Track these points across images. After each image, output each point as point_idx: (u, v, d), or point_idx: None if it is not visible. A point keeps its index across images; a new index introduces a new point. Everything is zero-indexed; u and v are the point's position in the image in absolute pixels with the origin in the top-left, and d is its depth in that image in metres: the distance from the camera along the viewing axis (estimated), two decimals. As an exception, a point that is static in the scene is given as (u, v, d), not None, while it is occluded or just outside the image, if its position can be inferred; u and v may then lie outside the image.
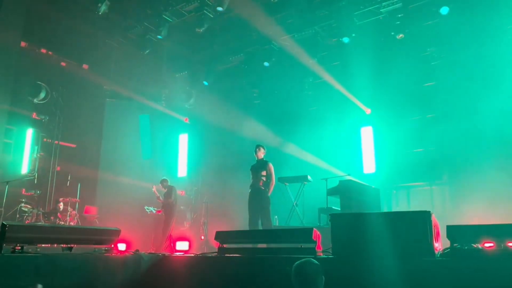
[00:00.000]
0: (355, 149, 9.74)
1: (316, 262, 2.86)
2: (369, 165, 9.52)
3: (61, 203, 9.53)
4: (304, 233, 4.26)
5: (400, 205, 9.02)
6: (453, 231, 3.61)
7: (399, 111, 9.23)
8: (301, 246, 4.14)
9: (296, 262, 2.87)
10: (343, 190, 7.18)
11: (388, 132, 9.33)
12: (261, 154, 7.40)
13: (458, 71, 8.51)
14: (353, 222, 4.05)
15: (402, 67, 8.94)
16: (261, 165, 7.31)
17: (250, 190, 7.28)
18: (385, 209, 8.17)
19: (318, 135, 9.95)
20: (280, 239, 4.61)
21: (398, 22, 8.86)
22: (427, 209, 3.74)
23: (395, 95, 9.24)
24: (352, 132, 9.89)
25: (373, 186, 7.77)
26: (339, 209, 7.24)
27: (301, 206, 8.20)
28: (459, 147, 8.32)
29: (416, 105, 9.16)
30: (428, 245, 3.51)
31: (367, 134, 9.74)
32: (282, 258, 4.11)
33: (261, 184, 7.16)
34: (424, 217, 3.61)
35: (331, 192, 7.42)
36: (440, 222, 4.10)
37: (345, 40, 9.49)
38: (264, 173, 7.20)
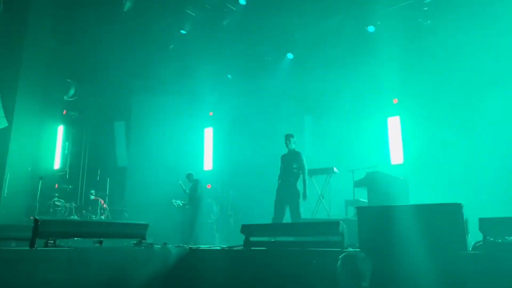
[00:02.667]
0: (382, 140, 9.56)
1: (364, 254, 2.84)
2: (396, 156, 9.33)
3: (95, 196, 9.80)
4: (331, 226, 4.22)
5: (430, 197, 8.80)
6: (486, 224, 3.50)
7: (427, 100, 8.97)
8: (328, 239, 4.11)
9: (343, 254, 2.85)
10: (370, 181, 7.05)
11: (416, 122, 9.09)
12: (293, 144, 7.07)
13: (489, 58, 8.17)
14: (380, 215, 3.96)
15: (430, 54, 8.67)
16: (293, 156, 6.99)
17: (279, 181, 7.01)
18: (414, 201, 8.00)
19: (344, 126, 9.80)
20: (306, 232, 4.58)
21: (425, 8, 8.58)
22: (458, 202, 3.63)
23: (423, 83, 8.97)
24: (379, 123, 9.70)
25: (401, 178, 7.61)
26: (366, 201, 7.14)
27: (327, 199, 8.12)
28: (492, 135, 8.02)
29: (444, 93, 8.86)
30: (461, 238, 3.40)
31: (394, 124, 9.53)
32: (308, 251, 4.08)
33: (292, 176, 6.88)
34: (455, 209, 3.49)
35: (358, 184, 7.32)
36: (472, 215, 3.96)
37: (370, 29, 9.29)
38: (295, 165, 6.90)
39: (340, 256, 2.84)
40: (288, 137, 7.09)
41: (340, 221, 4.13)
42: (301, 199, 6.76)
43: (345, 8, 9.38)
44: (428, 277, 3.32)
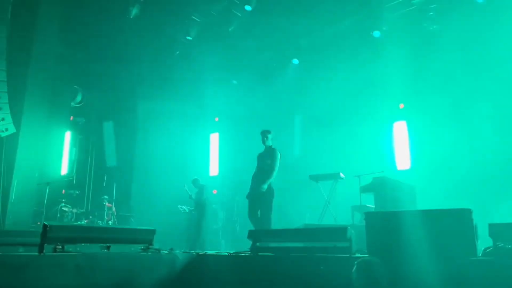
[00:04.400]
0: (388, 145, 9.53)
1: (379, 260, 2.83)
2: (403, 161, 9.29)
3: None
4: (338, 232, 4.20)
5: (437, 202, 8.73)
6: (496, 230, 3.47)
7: (434, 105, 8.93)
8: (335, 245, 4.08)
9: (360, 259, 2.85)
10: (377, 187, 7.01)
11: (422, 127, 9.06)
12: (270, 140, 6.58)
13: (497, 62, 8.14)
14: (389, 220, 3.94)
15: (436, 59, 8.65)
16: (268, 153, 6.52)
17: (252, 181, 6.51)
18: (421, 206, 7.94)
19: (350, 131, 9.78)
20: (314, 238, 4.55)
21: (431, 13, 8.58)
22: (467, 207, 3.61)
23: (429, 88, 8.95)
24: (385, 128, 9.67)
25: (408, 183, 7.57)
26: (373, 206, 7.10)
27: (333, 204, 8.09)
28: (500, 140, 7.97)
29: (451, 98, 8.83)
30: (471, 244, 3.38)
31: (400, 129, 9.50)
32: (316, 257, 4.06)
33: (265, 175, 6.35)
34: (465, 215, 3.47)
35: (365, 189, 7.28)
36: (480, 221, 3.93)
37: (376, 34, 9.30)
38: (269, 161, 6.40)
39: (355, 262, 2.83)
40: (265, 133, 6.61)
41: (348, 227, 4.11)
42: (273, 200, 6.30)
43: (350, 13, 9.41)
44: (437, 283, 3.30)
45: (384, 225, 3.89)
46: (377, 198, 6.99)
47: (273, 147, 6.61)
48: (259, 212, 6.31)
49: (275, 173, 6.38)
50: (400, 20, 8.90)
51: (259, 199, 6.30)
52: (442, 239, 3.51)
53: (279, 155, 6.50)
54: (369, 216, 4.05)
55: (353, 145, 9.67)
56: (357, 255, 3.98)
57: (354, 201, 7.50)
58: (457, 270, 3.28)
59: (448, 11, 8.47)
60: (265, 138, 6.57)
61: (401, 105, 9.52)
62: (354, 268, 2.82)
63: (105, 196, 9.93)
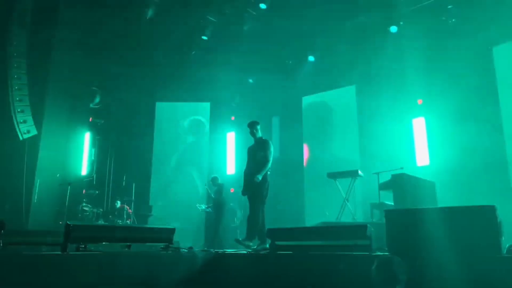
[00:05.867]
0: (407, 142, 9.39)
1: (400, 259, 2.81)
2: (422, 157, 9.13)
3: (121, 204, 10.00)
4: (358, 230, 4.17)
5: (458, 199, 8.58)
6: (521, 226, 3.39)
7: (452, 100, 8.75)
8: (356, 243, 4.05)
9: (381, 257, 2.83)
10: (396, 184, 6.90)
11: (441, 123, 8.89)
12: (259, 132, 6.28)
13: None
14: (410, 218, 3.88)
15: (455, 53, 8.47)
16: (260, 145, 6.18)
17: (245, 176, 6.20)
18: (441, 203, 7.81)
19: (367, 128, 9.69)
20: (333, 236, 4.52)
21: (450, 6, 8.41)
22: (490, 203, 3.53)
23: (448, 83, 8.77)
24: (403, 124, 9.54)
25: (428, 179, 7.44)
26: (392, 204, 7.01)
27: (352, 202, 8.02)
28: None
29: (470, 93, 8.64)
30: (495, 241, 3.30)
31: (419, 126, 9.35)
32: (336, 255, 4.04)
33: (257, 168, 6.00)
34: (489, 211, 3.40)
35: (384, 186, 7.19)
36: (505, 217, 3.84)
37: (393, 29, 9.18)
38: (262, 153, 6.07)
39: (375, 260, 2.81)
40: (253, 124, 6.29)
41: (368, 224, 4.07)
42: (262, 197, 6.00)
43: (366, 9, 9.29)
44: (460, 281, 3.24)
45: (405, 222, 3.83)
46: (396, 195, 6.88)
47: (263, 138, 6.31)
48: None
49: (269, 164, 6.06)
50: (417, 14, 8.74)
51: (253, 192, 6.00)
52: (465, 236, 3.45)
53: (272, 146, 6.22)
54: (390, 213, 4.00)
55: (371, 141, 9.58)
56: (377, 253, 3.94)
57: (372, 198, 7.42)
58: (481, 268, 3.22)
59: (467, 4, 8.28)
60: (254, 130, 6.27)
61: (420, 101, 9.36)
62: (374, 265, 2.80)
63: (117, 200, 10.10)
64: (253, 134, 6.26)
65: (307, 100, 11.65)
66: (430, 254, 3.48)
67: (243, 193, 6.20)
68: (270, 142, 6.24)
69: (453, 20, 8.45)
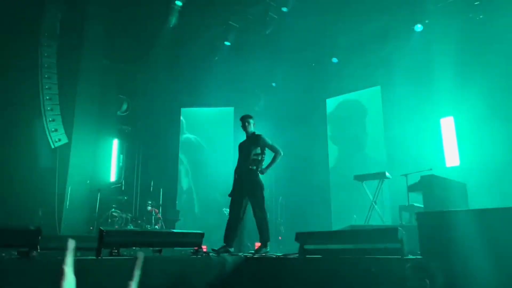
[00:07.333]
0: (435, 142, 9.20)
1: (436, 263, 2.79)
2: (452, 158, 8.93)
3: (151, 207, 10.16)
4: (389, 233, 4.11)
5: (489, 201, 8.32)
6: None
7: (481, 99, 8.51)
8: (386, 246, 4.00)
9: (414, 260, 2.81)
10: (426, 186, 6.76)
11: (470, 122, 8.66)
12: (252, 126, 5.95)
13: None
14: (443, 221, 3.80)
15: (483, 50, 8.26)
16: (254, 141, 5.82)
17: (236, 174, 5.89)
18: (473, 205, 7.60)
19: (393, 129, 9.55)
20: (363, 240, 4.47)
21: (477, 2, 8.22)
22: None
23: (476, 81, 8.54)
24: (430, 124, 9.35)
25: (458, 181, 7.27)
26: (422, 206, 6.87)
27: (380, 204, 7.92)
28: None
29: (499, 90, 8.38)
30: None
31: (447, 125, 9.14)
32: (366, 259, 4.00)
33: (252, 165, 5.71)
34: (525, 213, 3.31)
35: (412, 188, 7.06)
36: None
37: (418, 28, 9.04)
38: (258, 151, 5.77)
39: (410, 263, 2.78)
40: (246, 118, 5.98)
41: (399, 227, 4.01)
42: (264, 192, 5.72)
43: (389, 8, 9.18)
44: (494, 285, 3.16)
45: (438, 225, 3.76)
46: (426, 197, 6.74)
47: (256, 133, 5.96)
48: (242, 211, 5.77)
49: (264, 161, 5.83)
50: (443, 11, 8.58)
51: (254, 191, 5.70)
52: (499, 239, 3.37)
53: (269, 139, 5.93)
54: (421, 216, 3.94)
55: (398, 143, 9.44)
56: (409, 256, 3.88)
57: (400, 201, 7.30)
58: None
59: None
60: (246, 124, 5.94)
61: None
62: (409, 269, 2.76)
63: (149, 202, 10.24)
64: (244, 127, 5.95)
65: (331, 102, 11.60)
66: (465, 258, 3.41)
67: (244, 193, 5.83)
68: (264, 136, 5.89)
69: (481, 16, 8.23)
